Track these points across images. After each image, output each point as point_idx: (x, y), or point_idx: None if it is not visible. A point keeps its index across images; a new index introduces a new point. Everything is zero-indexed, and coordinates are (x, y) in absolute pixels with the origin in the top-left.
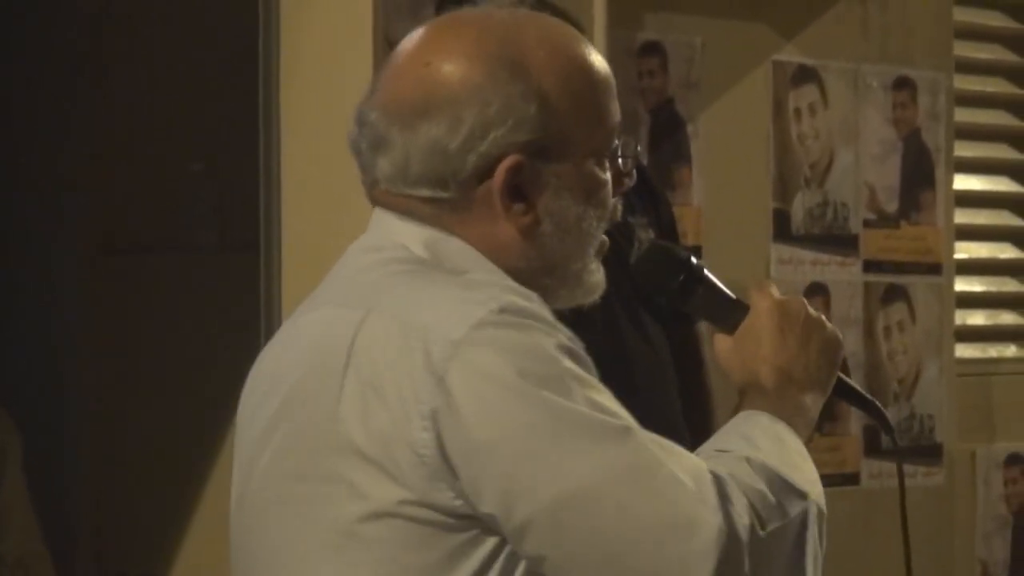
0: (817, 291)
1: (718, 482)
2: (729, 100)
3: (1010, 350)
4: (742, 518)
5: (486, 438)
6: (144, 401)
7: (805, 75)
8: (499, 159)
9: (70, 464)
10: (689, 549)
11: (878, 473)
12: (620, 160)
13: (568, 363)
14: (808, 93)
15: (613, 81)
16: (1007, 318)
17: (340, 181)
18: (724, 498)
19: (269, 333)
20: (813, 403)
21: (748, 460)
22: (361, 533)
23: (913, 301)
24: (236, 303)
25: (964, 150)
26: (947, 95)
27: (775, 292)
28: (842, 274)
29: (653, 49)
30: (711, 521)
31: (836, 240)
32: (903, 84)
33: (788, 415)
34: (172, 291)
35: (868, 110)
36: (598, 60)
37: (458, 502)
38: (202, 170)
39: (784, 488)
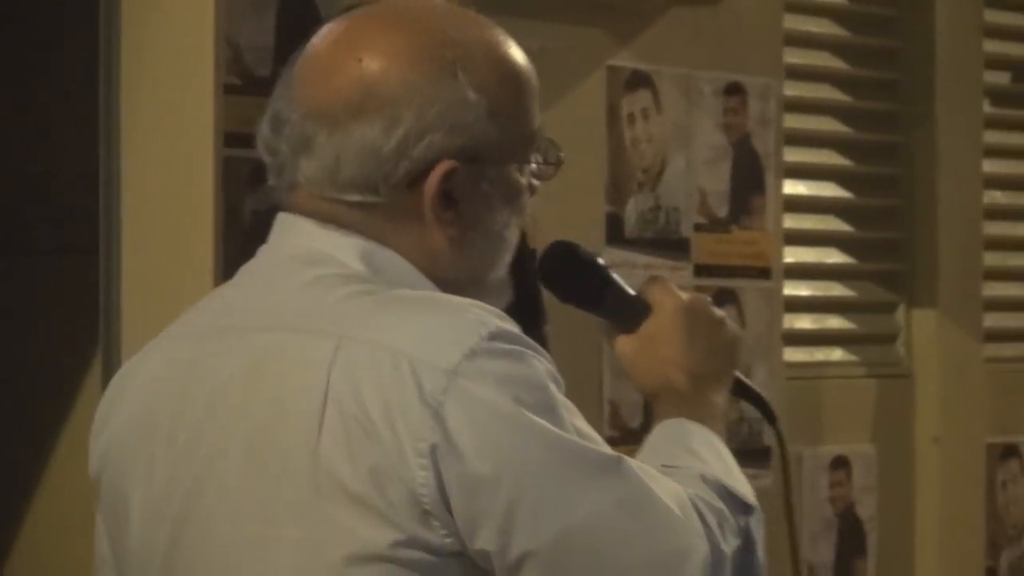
0: None
1: (696, 507)
2: (564, 105)
3: (836, 354)
4: (720, 541)
5: (486, 472)
6: None
7: (639, 80)
8: (433, 164)
9: None
10: None
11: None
12: (539, 166)
13: (556, 391)
14: (642, 98)
15: (538, 85)
16: (833, 322)
17: (181, 185)
18: (705, 523)
19: (108, 337)
20: (722, 403)
21: (703, 478)
22: None
23: (743, 305)
24: (76, 306)
25: (793, 155)
26: (777, 101)
27: (676, 290)
28: (674, 278)
29: None
30: (700, 548)
31: (668, 244)
32: (734, 90)
33: (707, 418)
34: (11, 293)
35: (700, 115)
36: (528, 64)
37: (448, 540)
38: (42, 172)
39: (735, 504)
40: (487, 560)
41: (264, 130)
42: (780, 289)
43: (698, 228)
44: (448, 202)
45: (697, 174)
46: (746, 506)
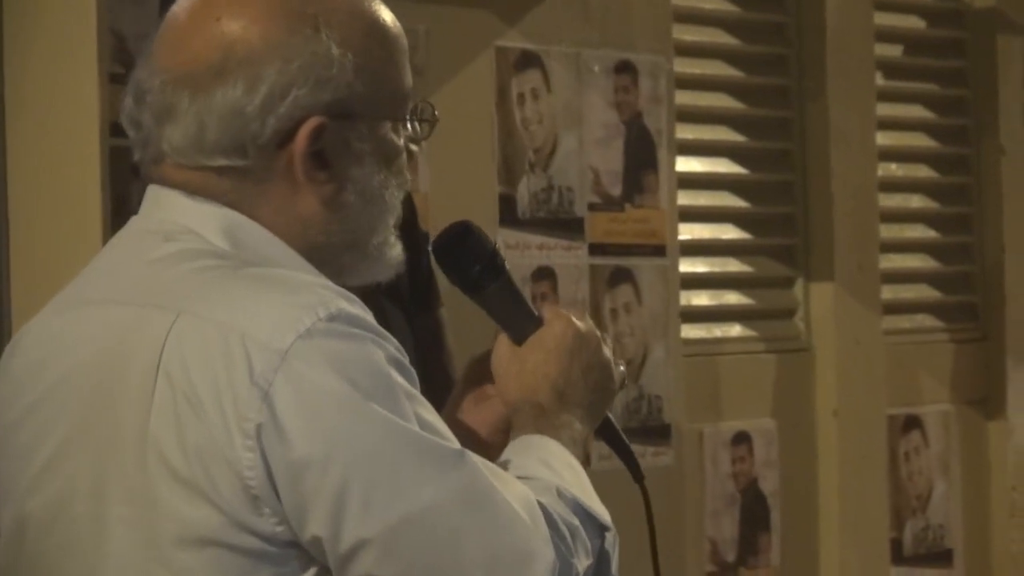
0: (544, 275)
1: (546, 515)
2: (453, 87)
3: (735, 329)
4: (570, 555)
5: (315, 455)
6: None
7: (528, 60)
8: (301, 121)
9: None
10: None
11: (608, 455)
12: (415, 124)
13: (399, 377)
14: (531, 78)
15: (407, 44)
16: (731, 298)
17: (68, 178)
18: (554, 531)
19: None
20: (583, 431)
21: (559, 492)
22: (175, 561)
23: (639, 283)
24: None
25: (685, 132)
26: (667, 78)
27: (574, 316)
28: (568, 258)
29: None
30: (545, 555)
31: (562, 224)
32: (624, 68)
33: (565, 440)
34: None
35: (591, 94)
36: (395, 22)
37: (280, 528)
38: None
39: (590, 522)
40: (322, 552)
41: (127, 103)
42: (676, 266)
43: (592, 207)
44: (319, 162)
45: (589, 153)
46: (601, 527)
